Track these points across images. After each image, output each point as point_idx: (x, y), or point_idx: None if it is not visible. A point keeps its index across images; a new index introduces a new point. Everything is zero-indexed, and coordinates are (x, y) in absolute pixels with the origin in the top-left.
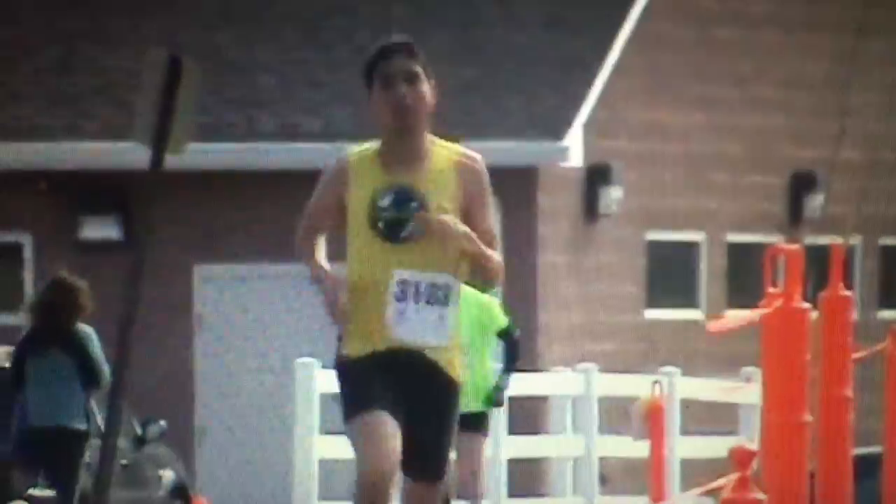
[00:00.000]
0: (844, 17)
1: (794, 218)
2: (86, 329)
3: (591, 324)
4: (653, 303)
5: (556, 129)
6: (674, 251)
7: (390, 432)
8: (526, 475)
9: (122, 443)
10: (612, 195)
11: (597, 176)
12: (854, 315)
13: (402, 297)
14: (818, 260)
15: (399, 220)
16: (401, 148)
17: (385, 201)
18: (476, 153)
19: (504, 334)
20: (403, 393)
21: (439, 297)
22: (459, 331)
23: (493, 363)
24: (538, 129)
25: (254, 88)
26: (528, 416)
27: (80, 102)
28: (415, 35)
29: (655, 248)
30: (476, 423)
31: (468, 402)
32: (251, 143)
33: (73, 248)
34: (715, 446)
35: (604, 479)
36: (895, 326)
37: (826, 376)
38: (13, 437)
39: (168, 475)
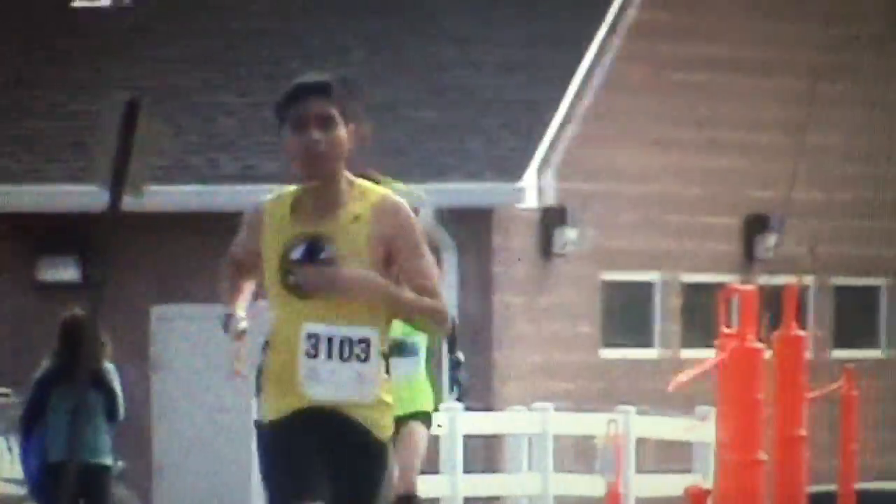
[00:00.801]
0: (801, 60)
1: (749, 258)
2: (110, 366)
3: (548, 363)
4: (608, 342)
5: (513, 170)
6: (629, 291)
7: None
8: None
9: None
10: (568, 235)
11: (552, 217)
12: (808, 354)
13: (312, 354)
14: (772, 300)
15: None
16: (315, 196)
17: (296, 253)
18: (394, 198)
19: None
20: (325, 456)
21: (356, 352)
22: (388, 386)
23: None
24: (495, 171)
25: (214, 131)
26: (484, 455)
27: (42, 145)
28: (375, 79)
29: (610, 288)
30: (418, 418)
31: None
32: (211, 185)
33: (31, 289)
34: (670, 484)
35: None
36: (848, 367)
37: (781, 415)
38: (29, 472)
39: None
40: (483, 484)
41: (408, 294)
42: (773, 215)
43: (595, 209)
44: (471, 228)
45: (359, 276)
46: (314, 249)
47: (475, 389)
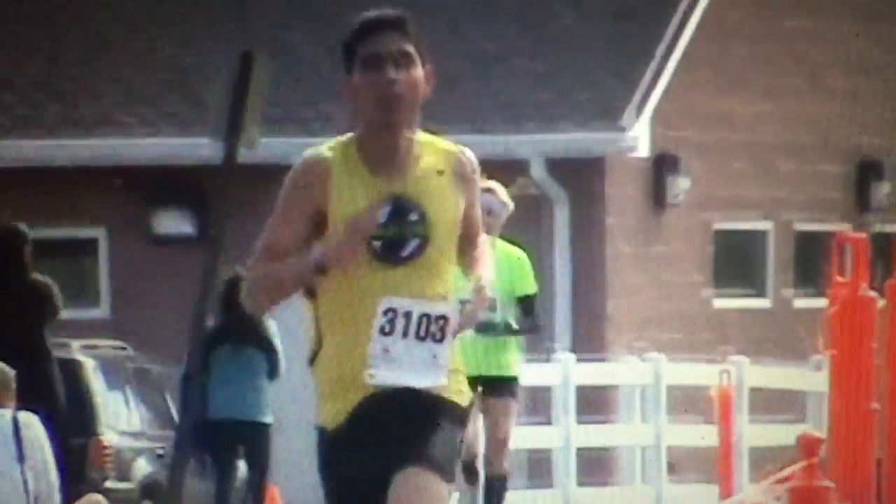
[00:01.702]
0: None
1: (862, 206)
2: (272, 323)
3: (659, 312)
4: (720, 291)
5: (624, 120)
6: (741, 240)
7: None
8: (595, 464)
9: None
10: (680, 185)
11: (664, 166)
12: None
13: (387, 330)
14: (886, 248)
15: (400, 237)
16: (387, 146)
17: (382, 215)
18: (467, 148)
19: (524, 299)
20: (396, 452)
21: (433, 331)
22: (461, 355)
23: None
24: (606, 121)
25: (324, 83)
26: (597, 405)
27: (156, 99)
28: (485, 30)
29: (722, 237)
30: (506, 388)
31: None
32: (320, 137)
33: (147, 243)
34: (783, 434)
35: (672, 468)
36: None
37: (893, 365)
38: (187, 428)
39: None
40: (595, 434)
41: (489, 269)
42: (886, 161)
43: (706, 157)
44: (582, 178)
45: (489, 281)
46: (401, 211)
47: (588, 339)
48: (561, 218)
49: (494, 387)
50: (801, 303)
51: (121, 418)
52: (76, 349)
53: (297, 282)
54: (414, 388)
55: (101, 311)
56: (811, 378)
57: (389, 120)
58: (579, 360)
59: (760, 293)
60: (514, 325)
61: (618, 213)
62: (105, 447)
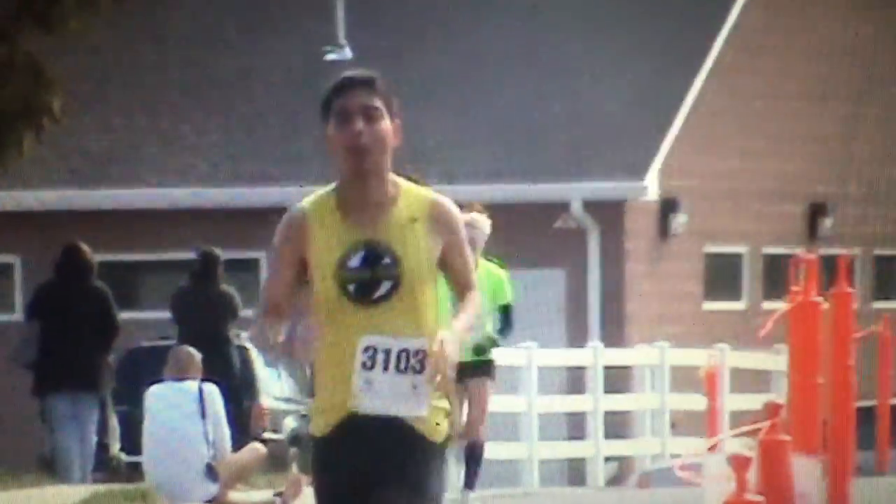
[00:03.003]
0: (844, 93)
1: (812, 236)
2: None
3: (665, 313)
4: (709, 298)
5: (640, 172)
6: (724, 260)
7: None
8: (617, 423)
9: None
10: (679, 220)
11: (668, 206)
12: (855, 306)
13: (369, 366)
14: (829, 266)
15: (372, 280)
16: (362, 194)
17: (354, 261)
18: (442, 200)
19: (504, 309)
20: (373, 468)
21: (413, 364)
22: (445, 387)
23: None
24: (627, 173)
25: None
26: (618, 381)
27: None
28: (488, 80)
29: (711, 259)
30: (482, 370)
31: (473, 354)
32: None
33: None
34: (754, 401)
35: (673, 425)
36: (886, 315)
37: (834, 350)
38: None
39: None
40: (618, 402)
41: (464, 320)
42: (829, 204)
43: (699, 200)
44: (608, 216)
45: (456, 339)
46: (373, 256)
47: (613, 333)
48: (593, 245)
49: (473, 370)
50: (767, 305)
51: (274, 388)
52: (245, 339)
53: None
54: (395, 415)
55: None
56: (775, 361)
57: (357, 168)
58: (606, 347)
59: (738, 299)
60: (496, 339)
61: (634, 241)
62: (263, 409)
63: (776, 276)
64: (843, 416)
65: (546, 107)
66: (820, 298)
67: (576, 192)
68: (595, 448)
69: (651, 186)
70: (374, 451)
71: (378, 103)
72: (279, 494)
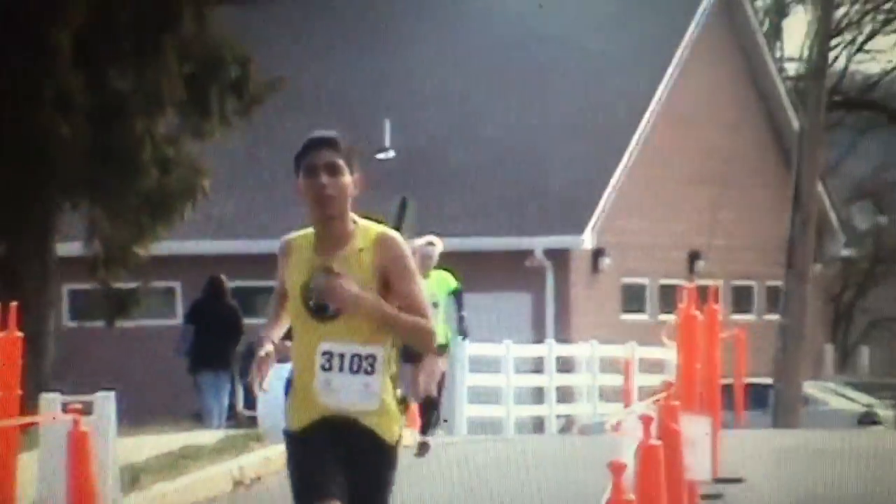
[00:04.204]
0: (713, 168)
1: (691, 271)
2: None
3: (596, 322)
4: (625, 312)
5: (580, 230)
6: (635, 288)
7: None
8: (565, 393)
9: None
10: (606, 262)
11: (598, 253)
12: (720, 318)
13: (327, 368)
14: (703, 292)
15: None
16: (327, 232)
17: (314, 282)
18: (388, 233)
19: (454, 292)
20: (342, 460)
21: (364, 366)
22: (393, 395)
23: (452, 313)
24: (572, 230)
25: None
26: (565, 365)
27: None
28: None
29: (627, 287)
30: (438, 350)
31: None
32: None
33: None
34: (656, 380)
35: (601, 396)
36: (740, 325)
37: (708, 346)
38: None
39: None
40: (565, 379)
41: (400, 314)
42: (702, 251)
43: (618, 251)
44: (560, 259)
45: (360, 292)
46: (329, 277)
47: (561, 334)
48: (549, 277)
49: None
50: (663, 317)
51: None
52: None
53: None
54: (352, 411)
55: None
56: (668, 353)
57: (322, 214)
58: (558, 342)
59: (644, 312)
60: (460, 335)
61: (576, 276)
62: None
63: (669, 298)
64: (713, 389)
65: (521, 184)
66: (697, 313)
67: (538, 243)
68: (550, 409)
69: (587, 240)
70: (340, 448)
71: (340, 160)
72: None
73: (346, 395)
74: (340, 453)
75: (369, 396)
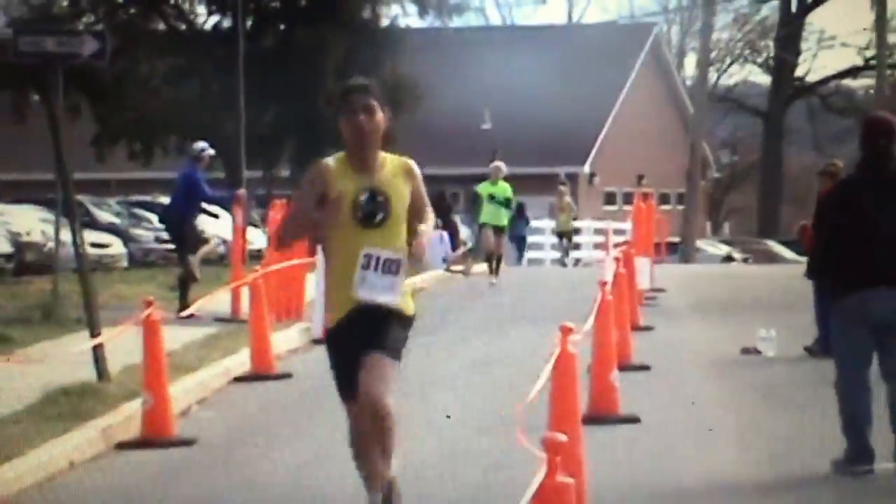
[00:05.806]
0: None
1: (639, 185)
2: None
3: (592, 211)
4: (605, 205)
5: (583, 161)
6: (611, 194)
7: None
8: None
9: None
10: (596, 179)
11: (592, 175)
12: (654, 208)
13: (366, 266)
14: (645, 196)
15: (374, 211)
16: (363, 161)
17: (363, 198)
18: (410, 161)
19: (508, 201)
20: (362, 338)
21: (392, 268)
22: (407, 288)
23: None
24: (577, 161)
25: None
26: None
27: None
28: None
29: (607, 193)
30: (500, 230)
31: (495, 221)
32: None
33: None
34: (621, 239)
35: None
36: (662, 214)
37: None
38: None
39: None
40: (575, 238)
41: (429, 224)
42: (644, 175)
43: (603, 172)
44: (570, 178)
45: (427, 234)
46: (374, 196)
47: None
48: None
49: (496, 230)
50: (626, 208)
51: None
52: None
53: (311, 227)
54: (380, 302)
55: None
56: (627, 225)
57: (361, 147)
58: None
59: (615, 205)
60: (508, 215)
61: (581, 187)
62: None
63: (629, 199)
64: (649, 243)
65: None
66: (642, 205)
67: (560, 169)
68: (569, 254)
69: (587, 167)
70: (368, 325)
71: (373, 102)
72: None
73: (377, 290)
74: (362, 331)
75: (394, 292)
